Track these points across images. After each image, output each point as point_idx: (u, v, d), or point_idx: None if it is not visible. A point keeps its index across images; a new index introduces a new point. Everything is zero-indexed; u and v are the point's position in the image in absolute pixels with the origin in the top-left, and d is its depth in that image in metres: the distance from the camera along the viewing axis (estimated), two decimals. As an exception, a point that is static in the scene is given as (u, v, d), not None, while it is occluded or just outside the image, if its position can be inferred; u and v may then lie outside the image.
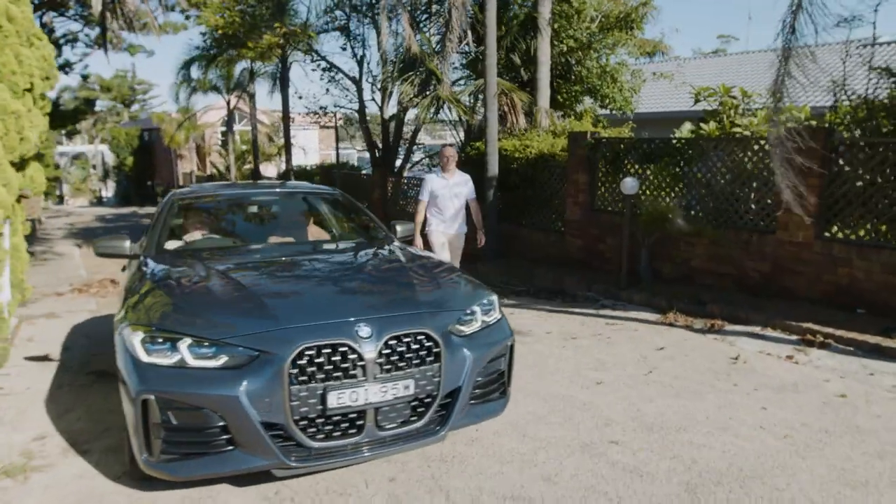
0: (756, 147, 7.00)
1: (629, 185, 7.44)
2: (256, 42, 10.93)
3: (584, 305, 7.46)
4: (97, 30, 17.26)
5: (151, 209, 33.18)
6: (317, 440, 2.95)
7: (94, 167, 53.63)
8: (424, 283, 3.78)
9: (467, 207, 6.93)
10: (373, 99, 15.09)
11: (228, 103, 22.16)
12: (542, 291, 8.26)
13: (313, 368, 2.91)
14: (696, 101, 9.17)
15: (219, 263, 3.95)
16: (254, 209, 5.34)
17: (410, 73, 11.47)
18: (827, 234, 6.47)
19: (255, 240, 4.77)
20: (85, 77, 18.04)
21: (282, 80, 17.02)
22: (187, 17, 12.36)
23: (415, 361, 3.10)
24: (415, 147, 16.41)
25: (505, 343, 3.57)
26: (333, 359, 2.94)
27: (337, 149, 14.80)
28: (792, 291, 6.65)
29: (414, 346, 3.12)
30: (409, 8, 11.64)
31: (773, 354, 5.37)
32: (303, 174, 18.72)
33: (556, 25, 11.06)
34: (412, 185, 12.97)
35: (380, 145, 15.06)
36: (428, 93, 11.92)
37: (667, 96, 20.41)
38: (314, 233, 5.16)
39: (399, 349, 3.08)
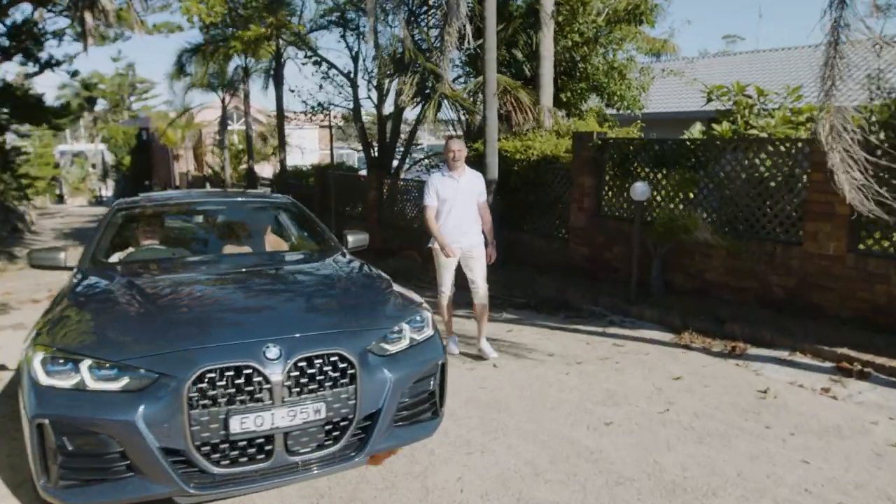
0: (782, 149, 6.34)
1: (640, 190, 6.78)
2: (244, 32, 10.25)
3: (590, 321, 6.80)
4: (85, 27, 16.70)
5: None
6: (221, 466, 2.81)
7: (93, 166, 53.08)
8: (351, 299, 3.64)
9: None
10: (368, 97, 14.47)
11: (223, 101, 21.56)
12: (544, 304, 7.60)
13: (215, 392, 2.78)
14: (709, 99, 8.54)
15: (144, 278, 3.80)
16: (199, 219, 5.23)
17: (407, 71, 10.80)
18: (862, 246, 5.81)
19: (195, 251, 4.68)
20: (73, 74, 17.47)
21: (275, 77, 16.39)
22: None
23: (327, 384, 2.96)
24: (414, 146, 15.79)
25: (435, 362, 3.41)
26: (237, 382, 2.81)
27: (331, 149, 14.19)
28: (821, 309, 5.98)
29: (326, 368, 2.97)
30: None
31: (806, 386, 4.70)
32: (297, 175, 18.10)
33: (559, 18, 10.40)
34: (410, 187, 12.33)
35: (376, 145, 14.42)
36: (427, 91, 11.26)
37: (675, 96, 19.73)
38: (259, 244, 4.93)
39: (309, 371, 2.93)
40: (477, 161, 9.36)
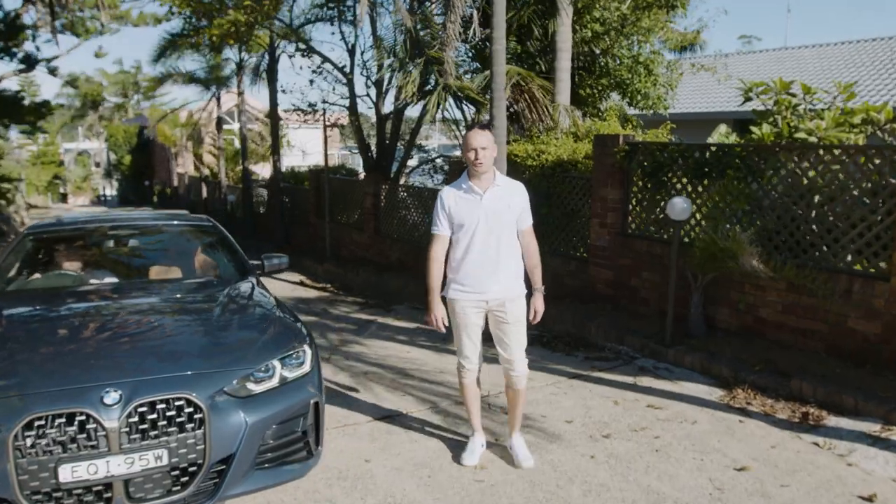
0: (861, 160, 5.07)
1: (679, 207, 5.53)
2: (221, 17, 9.07)
3: (616, 367, 5.56)
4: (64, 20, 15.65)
5: (144, 210, 31.70)
6: None
7: (97, 165, 52.26)
8: (221, 335, 3.50)
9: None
10: (367, 94, 13.25)
11: (218, 99, 20.46)
12: (558, 340, 6.38)
13: (44, 440, 2.73)
14: (746, 98, 7.30)
15: (21, 312, 3.76)
16: (110, 244, 5.10)
17: (407, 61, 9.56)
18: (970, 285, 4.54)
19: (95, 279, 4.51)
20: (52, 71, 16.43)
21: (269, 74, 15.23)
22: None
23: (171, 429, 2.89)
24: (416, 149, 14.59)
25: (306, 401, 3.28)
26: (69, 429, 2.76)
27: (325, 150, 12.97)
28: (915, 364, 4.72)
29: (170, 413, 2.90)
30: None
31: (922, 487, 3.44)
32: (293, 177, 16.96)
33: (578, 5, 9.15)
34: (412, 193, 11.12)
35: (374, 147, 13.21)
36: (428, 86, 10.03)
37: (696, 96, 18.47)
38: (185, 266, 4.82)
39: (151, 416, 2.86)
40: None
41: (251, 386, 3.13)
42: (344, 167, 18.58)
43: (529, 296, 3.75)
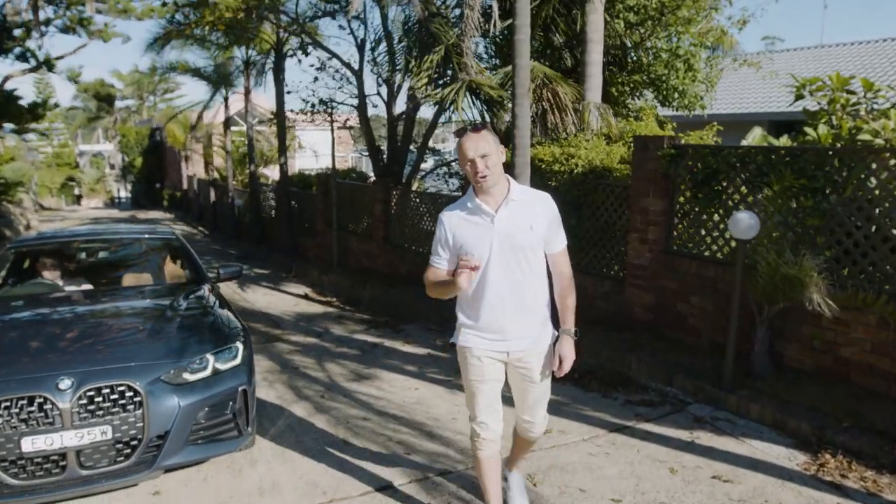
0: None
1: (745, 223, 4.55)
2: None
3: (665, 415, 4.61)
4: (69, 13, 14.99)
5: (154, 214, 31.14)
6: (19, 479, 3.24)
7: (111, 167, 51.95)
8: (165, 333, 3.98)
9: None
10: (378, 93, 12.39)
11: (226, 100, 19.72)
12: (593, 377, 5.43)
13: (9, 417, 3.22)
14: (798, 96, 6.31)
15: None
16: (83, 256, 5.73)
17: (422, 52, 8.63)
18: None
19: (69, 286, 5.02)
20: (50, 67, 15.85)
21: (275, 72, 14.43)
22: None
23: (113, 409, 3.38)
24: (428, 153, 13.69)
25: (235, 389, 3.76)
26: (30, 409, 3.26)
27: (332, 153, 12.14)
28: None
29: (113, 397, 3.39)
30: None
31: None
32: (301, 181, 16.14)
33: (611, -8, 8.20)
34: (425, 199, 10.23)
35: (385, 149, 12.34)
36: (446, 78, 9.09)
37: (726, 96, 17.40)
38: (132, 278, 5.31)
39: (97, 399, 3.36)
40: (503, 173, 7.18)
41: (186, 375, 3.64)
42: (354, 171, 17.75)
43: (556, 340, 2.88)
